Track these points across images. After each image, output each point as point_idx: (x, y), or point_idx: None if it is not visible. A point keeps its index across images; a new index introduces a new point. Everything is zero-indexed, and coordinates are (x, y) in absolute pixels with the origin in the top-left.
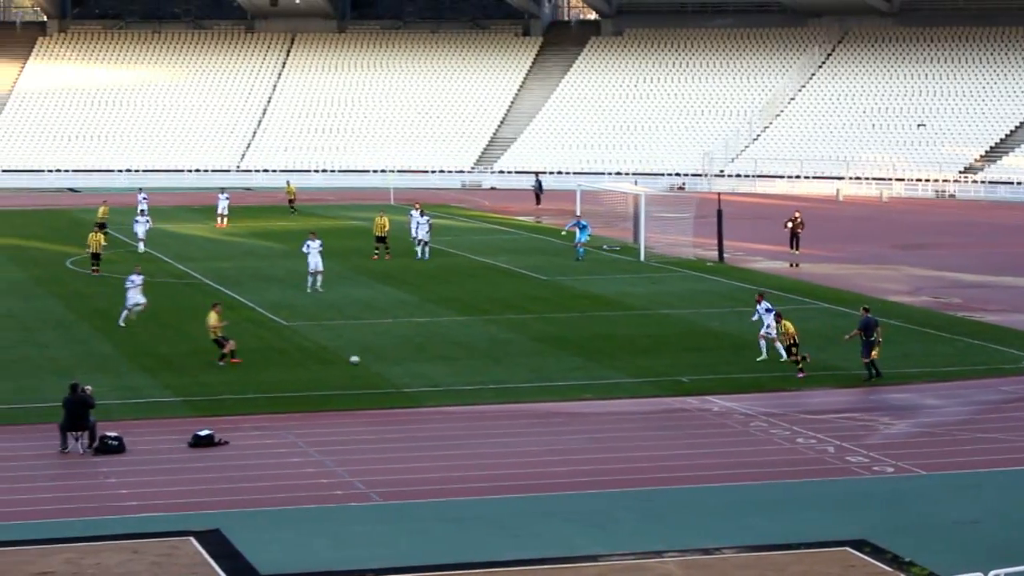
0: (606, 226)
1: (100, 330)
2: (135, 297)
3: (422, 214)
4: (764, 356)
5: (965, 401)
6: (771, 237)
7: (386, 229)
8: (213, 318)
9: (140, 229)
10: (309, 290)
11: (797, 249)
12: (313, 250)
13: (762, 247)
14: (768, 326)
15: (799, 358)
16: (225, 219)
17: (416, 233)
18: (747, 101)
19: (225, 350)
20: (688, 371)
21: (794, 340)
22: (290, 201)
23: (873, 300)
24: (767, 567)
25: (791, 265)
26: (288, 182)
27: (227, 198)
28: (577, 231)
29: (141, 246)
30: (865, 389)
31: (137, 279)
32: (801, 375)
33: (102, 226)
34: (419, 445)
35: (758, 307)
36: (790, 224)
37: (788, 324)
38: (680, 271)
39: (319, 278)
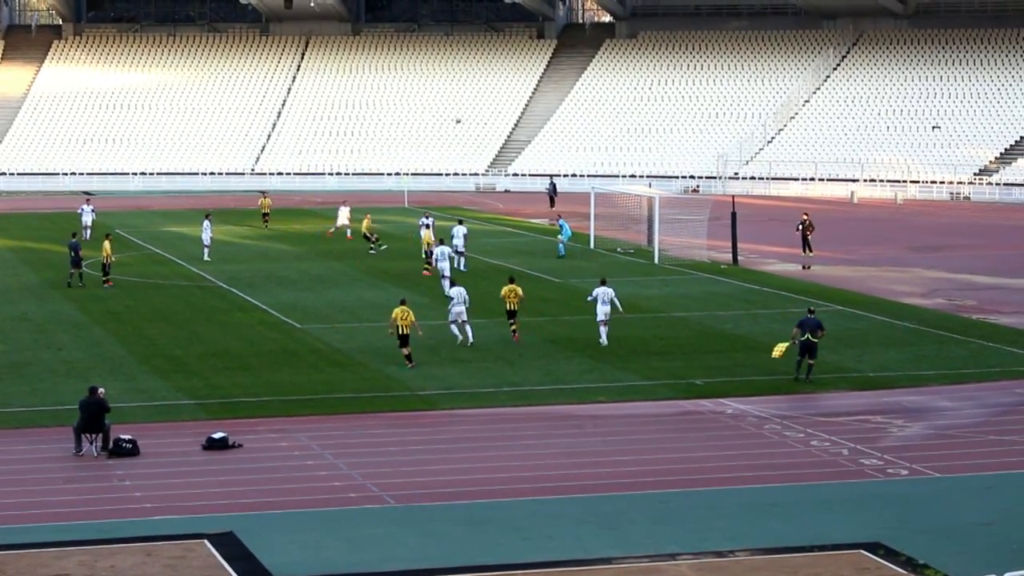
0: (620, 228)
1: (114, 333)
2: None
3: (460, 222)
4: (604, 342)
5: (980, 403)
6: (785, 239)
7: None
8: (406, 314)
9: (206, 236)
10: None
11: (810, 251)
12: (458, 235)
13: (776, 249)
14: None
15: (514, 325)
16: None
17: (456, 244)
18: (761, 103)
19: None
20: (702, 373)
21: (516, 306)
22: (264, 215)
23: (888, 302)
24: (780, 569)
25: (804, 267)
26: (264, 193)
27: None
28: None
29: (206, 253)
30: (878, 391)
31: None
32: (516, 339)
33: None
34: (433, 447)
35: (596, 291)
36: (800, 227)
37: (518, 289)
38: (694, 273)
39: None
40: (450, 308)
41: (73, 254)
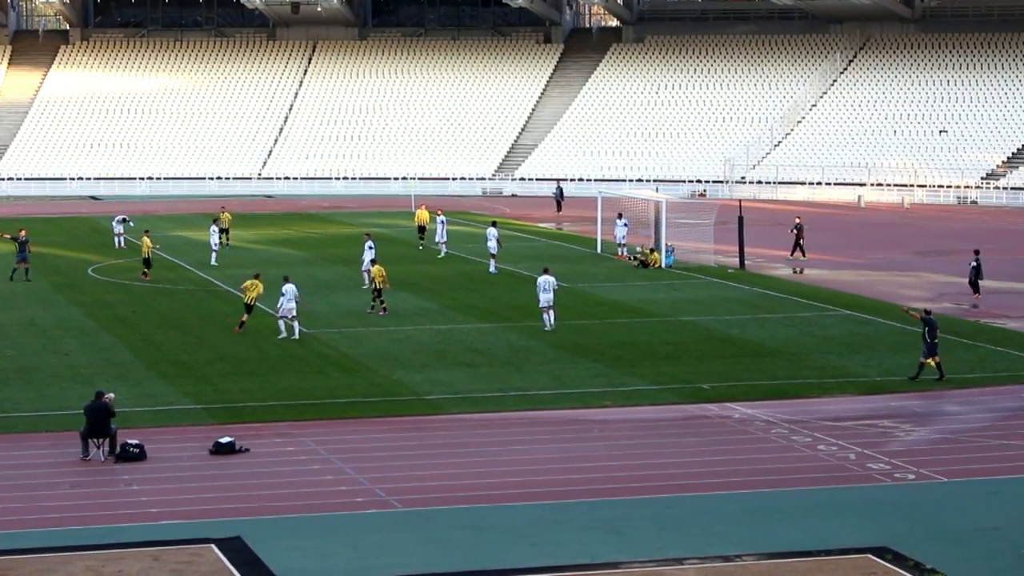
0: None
1: (121, 338)
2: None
3: (493, 224)
4: (548, 328)
5: (986, 407)
6: (792, 244)
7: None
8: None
9: (213, 240)
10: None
11: (803, 255)
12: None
13: (783, 253)
14: (546, 300)
15: (381, 303)
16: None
17: (490, 247)
18: (768, 107)
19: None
20: (709, 378)
21: (381, 285)
22: (223, 231)
23: (895, 307)
24: (787, 574)
25: (795, 271)
26: (223, 208)
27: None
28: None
29: (214, 258)
30: (885, 396)
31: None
32: (384, 313)
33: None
34: (440, 452)
35: (538, 280)
36: (794, 230)
37: (380, 269)
38: (701, 278)
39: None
40: (280, 303)
41: (18, 247)
